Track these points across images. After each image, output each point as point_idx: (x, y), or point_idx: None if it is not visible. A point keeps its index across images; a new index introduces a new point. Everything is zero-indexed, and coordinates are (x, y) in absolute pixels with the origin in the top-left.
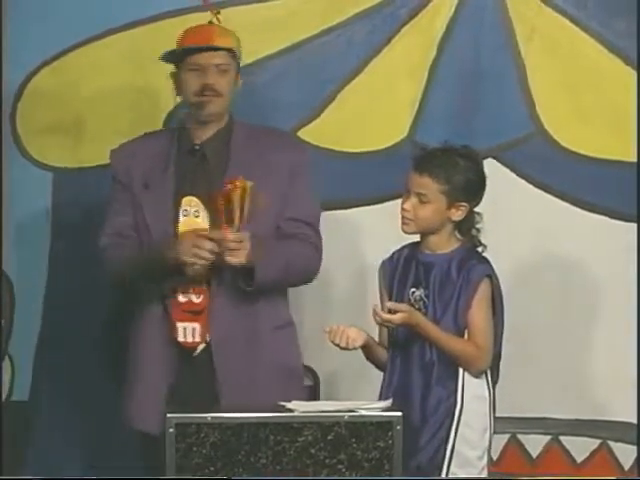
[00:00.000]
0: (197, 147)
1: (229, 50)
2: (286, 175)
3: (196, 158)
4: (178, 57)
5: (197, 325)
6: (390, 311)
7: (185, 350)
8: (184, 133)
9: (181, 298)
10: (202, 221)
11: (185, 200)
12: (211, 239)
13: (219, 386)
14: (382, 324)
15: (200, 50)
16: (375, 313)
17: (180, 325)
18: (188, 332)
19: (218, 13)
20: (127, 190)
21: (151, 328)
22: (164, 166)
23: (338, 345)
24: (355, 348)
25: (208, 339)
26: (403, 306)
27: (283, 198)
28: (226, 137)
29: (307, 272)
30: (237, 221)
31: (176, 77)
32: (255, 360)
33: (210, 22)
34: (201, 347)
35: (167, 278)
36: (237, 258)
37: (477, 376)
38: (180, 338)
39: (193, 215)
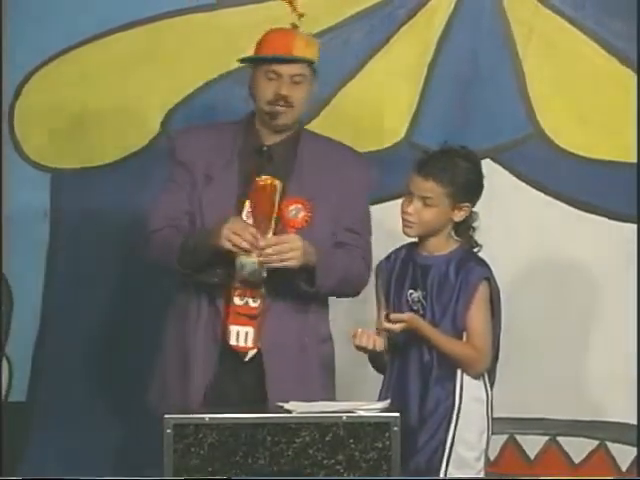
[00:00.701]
0: (265, 148)
1: (308, 61)
2: (349, 188)
3: (262, 159)
4: (255, 60)
5: (251, 329)
6: (390, 319)
7: (233, 353)
8: (251, 130)
9: (237, 301)
10: None
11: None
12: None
13: (269, 394)
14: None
15: (278, 61)
16: (378, 322)
17: (233, 328)
18: (241, 336)
19: (302, 16)
20: (189, 176)
21: (197, 328)
22: (228, 161)
23: (364, 348)
24: (380, 351)
25: (259, 345)
26: (405, 316)
27: (343, 209)
28: (294, 143)
29: (359, 282)
30: (272, 223)
31: (251, 79)
32: (302, 371)
33: (293, 25)
34: (252, 352)
35: (214, 268)
36: (292, 261)
37: (476, 378)
38: (232, 342)
39: None
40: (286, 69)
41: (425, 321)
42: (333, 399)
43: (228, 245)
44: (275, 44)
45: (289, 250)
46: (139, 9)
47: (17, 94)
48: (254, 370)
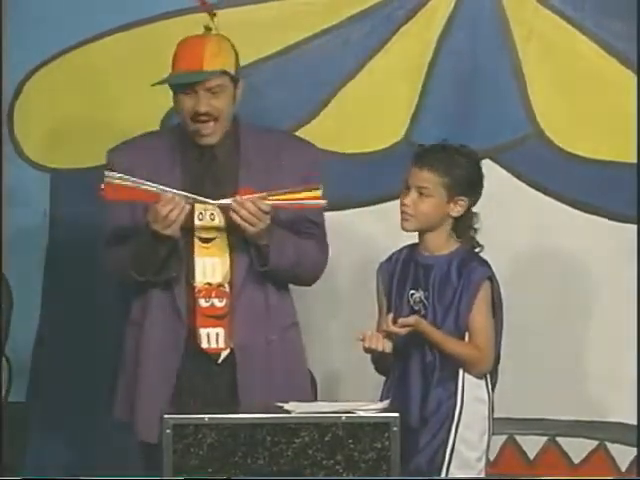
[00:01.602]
0: (206, 148)
1: (221, 72)
2: (296, 175)
3: (205, 159)
4: (163, 83)
5: (221, 330)
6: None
7: (204, 356)
8: (188, 133)
9: (203, 303)
10: (218, 223)
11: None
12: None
13: (239, 391)
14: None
15: (190, 80)
16: (384, 324)
17: (203, 331)
18: (212, 338)
19: (214, 15)
20: None
21: (160, 331)
22: (169, 167)
23: (373, 350)
24: (388, 353)
25: (231, 345)
26: (412, 320)
27: None
28: (234, 139)
29: (314, 267)
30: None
31: (173, 94)
32: (269, 362)
33: (207, 27)
34: (225, 353)
35: (169, 263)
36: (251, 228)
37: (479, 377)
38: (204, 345)
39: (209, 218)
40: (200, 84)
41: (427, 321)
42: (307, 388)
43: (169, 231)
44: (185, 60)
45: (261, 217)
46: (139, 9)
47: (17, 94)
48: (225, 371)
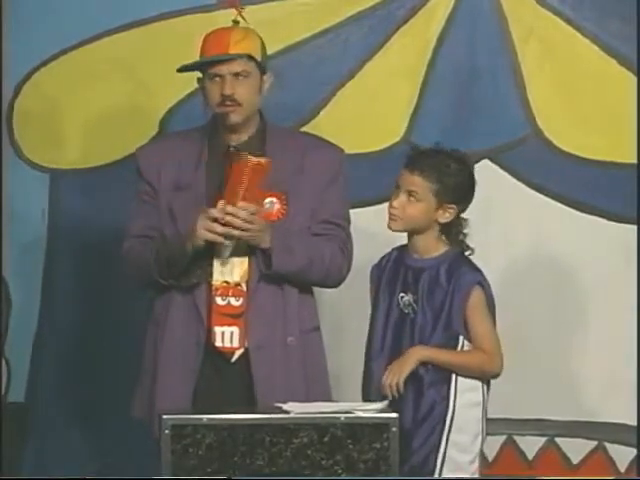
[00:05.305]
0: (232, 149)
1: (247, 56)
2: (321, 177)
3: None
4: (200, 66)
5: (236, 329)
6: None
7: (219, 355)
8: (216, 134)
9: (220, 301)
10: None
11: (222, 202)
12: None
13: (256, 393)
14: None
15: (215, 61)
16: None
17: (218, 329)
18: (226, 337)
19: (242, 9)
20: (155, 191)
21: (180, 330)
22: (195, 166)
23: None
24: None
25: (246, 344)
26: (410, 365)
27: (317, 200)
28: (260, 140)
29: (331, 269)
30: (240, 198)
31: (201, 84)
32: (288, 363)
33: (234, 21)
34: (239, 352)
35: (194, 270)
36: (254, 239)
37: (495, 378)
38: (218, 343)
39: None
40: (226, 68)
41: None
42: (327, 391)
43: (190, 240)
44: (212, 45)
45: (259, 227)
46: (139, 9)
47: (16, 94)
48: (240, 371)
